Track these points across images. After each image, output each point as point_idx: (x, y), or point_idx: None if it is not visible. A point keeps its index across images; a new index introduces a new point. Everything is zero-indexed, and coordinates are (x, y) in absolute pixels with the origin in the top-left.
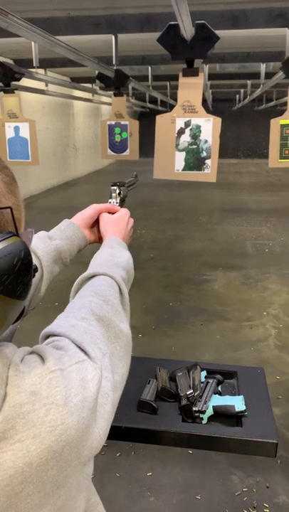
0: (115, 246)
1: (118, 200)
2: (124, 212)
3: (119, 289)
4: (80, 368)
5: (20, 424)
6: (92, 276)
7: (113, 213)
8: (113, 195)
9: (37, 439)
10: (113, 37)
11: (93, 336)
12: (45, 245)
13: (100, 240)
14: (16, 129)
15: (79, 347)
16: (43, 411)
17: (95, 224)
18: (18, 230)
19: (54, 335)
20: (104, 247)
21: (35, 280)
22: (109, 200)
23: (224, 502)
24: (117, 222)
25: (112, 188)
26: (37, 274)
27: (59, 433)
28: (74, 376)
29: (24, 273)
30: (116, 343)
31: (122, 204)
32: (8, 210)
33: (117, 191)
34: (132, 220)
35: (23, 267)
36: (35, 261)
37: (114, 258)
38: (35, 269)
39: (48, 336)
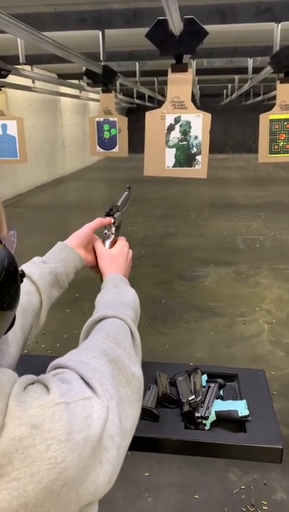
0: (119, 284)
1: (113, 231)
2: (122, 245)
3: (131, 331)
4: (85, 405)
5: (19, 459)
6: (102, 319)
7: (106, 225)
8: (107, 226)
9: (35, 477)
10: (100, 32)
11: (102, 377)
12: (39, 269)
13: (96, 267)
14: (4, 127)
15: (87, 383)
16: (43, 446)
17: (91, 245)
18: None
19: (62, 367)
20: (108, 287)
21: (34, 307)
22: (105, 231)
23: (222, 500)
24: (116, 257)
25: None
26: (35, 300)
27: (58, 471)
28: (79, 412)
29: (10, 282)
30: (127, 388)
31: (117, 232)
32: None
33: (112, 221)
34: (130, 252)
35: (9, 276)
36: (31, 286)
37: (120, 298)
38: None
39: (56, 368)
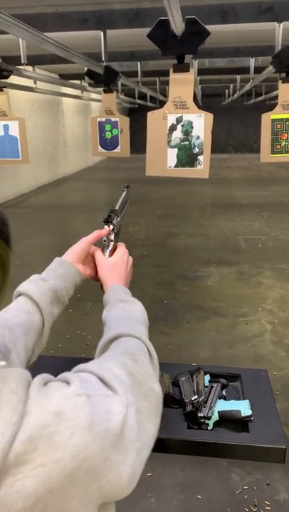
0: (124, 298)
1: (113, 238)
2: (122, 253)
3: (148, 349)
4: (106, 401)
5: (44, 446)
6: (116, 338)
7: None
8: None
9: (59, 463)
10: (102, 33)
11: (123, 383)
12: (39, 288)
13: (96, 275)
14: (6, 128)
15: (106, 385)
16: (67, 433)
17: (89, 258)
18: None
19: (83, 371)
20: (114, 302)
21: (36, 326)
22: (104, 239)
23: (225, 501)
24: (116, 266)
25: (105, 226)
26: (36, 320)
27: (81, 459)
28: (100, 406)
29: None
30: (145, 402)
31: (116, 238)
32: None
33: (111, 227)
34: (130, 259)
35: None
36: (31, 306)
37: (129, 313)
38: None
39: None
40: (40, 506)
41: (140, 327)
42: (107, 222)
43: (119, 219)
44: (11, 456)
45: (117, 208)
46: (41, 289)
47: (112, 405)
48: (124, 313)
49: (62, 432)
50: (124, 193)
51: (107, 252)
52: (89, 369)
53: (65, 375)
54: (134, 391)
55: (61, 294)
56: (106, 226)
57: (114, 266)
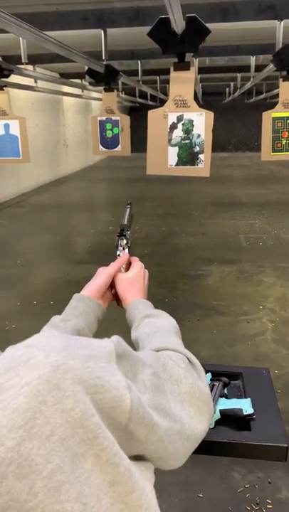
0: (149, 312)
1: (128, 252)
2: (138, 267)
3: (187, 358)
4: (89, 339)
5: (23, 370)
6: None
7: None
8: (120, 248)
9: (42, 378)
10: (102, 31)
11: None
12: (60, 331)
13: (116, 299)
14: (6, 127)
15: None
16: (42, 355)
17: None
18: None
19: None
20: (140, 318)
21: None
22: (118, 253)
23: (227, 499)
24: (133, 281)
25: (120, 240)
26: None
27: (62, 372)
28: (78, 339)
29: None
30: (172, 384)
31: (129, 252)
32: None
33: (124, 242)
34: (147, 273)
35: None
36: None
37: (158, 327)
38: None
39: None
40: (40, 418)
41: (173, 338)
42: (121, 235)
43: (129, 233)
44: None
45: (125, 222)
46: (63, 331)
47: (99, 341)
48: (153, 328)
49: (38, 356)
50: (128, 210)
51: (124, 267)
52: None
53: None
54: (152, 360)
55: (84, 332)
56: (120, 240)
57: (132, 281)
